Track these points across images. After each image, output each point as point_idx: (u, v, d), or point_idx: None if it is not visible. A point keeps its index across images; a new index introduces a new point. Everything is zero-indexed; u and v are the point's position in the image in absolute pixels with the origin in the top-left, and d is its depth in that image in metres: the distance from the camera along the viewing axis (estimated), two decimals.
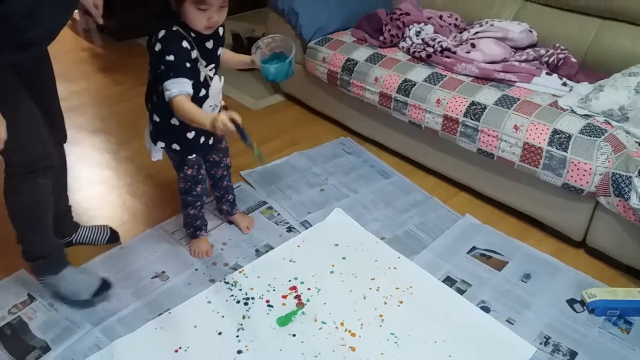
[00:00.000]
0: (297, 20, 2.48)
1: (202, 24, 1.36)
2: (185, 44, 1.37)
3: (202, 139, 1.60)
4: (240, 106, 2.74)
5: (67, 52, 3.46)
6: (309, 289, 1.65)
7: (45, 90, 1.51)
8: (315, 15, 2.48)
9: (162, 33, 1.37)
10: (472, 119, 1.91)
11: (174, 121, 1.52)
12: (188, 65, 1.37)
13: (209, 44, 1.45)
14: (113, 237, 1.85)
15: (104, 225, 1.87)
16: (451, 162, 2.11)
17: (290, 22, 2.53)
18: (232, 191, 1.89)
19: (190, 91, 1.37)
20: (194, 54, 1.40)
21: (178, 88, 1.34)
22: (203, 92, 1.49)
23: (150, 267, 1.76)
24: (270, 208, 2.04)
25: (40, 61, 1.46)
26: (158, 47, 1.37)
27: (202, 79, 1.46)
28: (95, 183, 2.21)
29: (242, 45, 3.15)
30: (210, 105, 1.54)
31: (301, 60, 2.57)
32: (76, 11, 3.69)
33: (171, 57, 1.34)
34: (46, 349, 1.48)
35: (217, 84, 1.52)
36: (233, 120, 1.30)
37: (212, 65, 1.48)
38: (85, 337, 1.51)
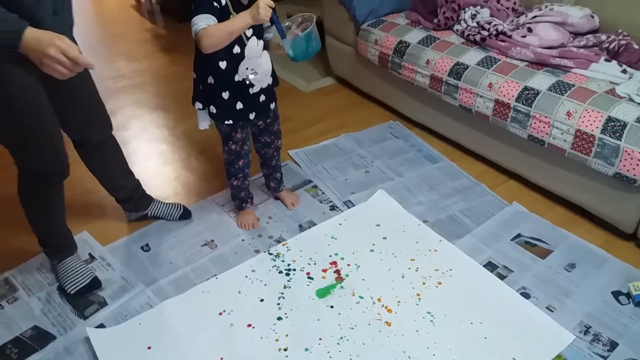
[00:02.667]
0: (351, 2, 2.51)
1: None
2: None
3: (239, 106, 1.61)
4: (292, 88, 2.82)
5: (131, 32, 3.66)
6: (348, 265, 1.72)
7: (77, 85, 1.44)
8: None
9: None
10: (524, 104, 1.89)
11: (210, 79, 1.56)
12: (216, 4, 1.40)
13: (244, 0, 1.47)
14: (186, 214, 1.94)
15: (177, 203, 1.96)
16: (501, 149, 2.10)
17: (345, 4, 2.56)
18: (280, 170, 1.98)
19: (214, 22, 1.39)
20: (222, 1, 1.43)
21: (205, 22, 1.37)
22: (237, 49, 1.51)
23: (200, 236, 1.88)
24: (315, 187, 2.11)
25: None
26: None
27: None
28: (153, 156, 2.36)
29: None
30: (248, 68, 1.56)
31: (353, 43, 2.61)
32: None
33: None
34: (103, 303, 1.63)
35: (254, 46, 1.52)
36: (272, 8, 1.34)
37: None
38: (138, 296, 1.65)
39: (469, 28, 2.24)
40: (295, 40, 1.43)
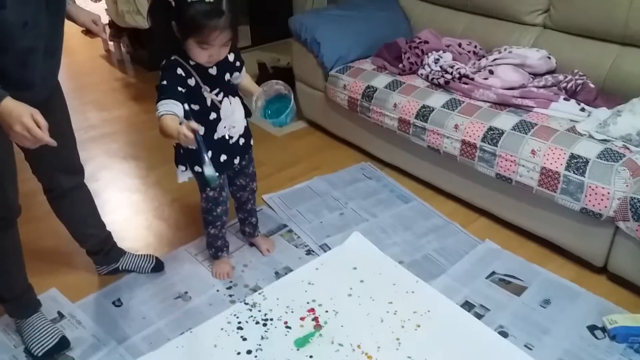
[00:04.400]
0: (319, 49, 2.57)
1: (202, 60, 1.42)
2: (180, 71, 1.43)
3: (223, 158, 1.61)
4: (265, 133, 2.81)
5: (101, 82, 3.64)
6: (326, 311, 1.68)
7: (54, 126, 1.35)
8: (336, 45, 2.57)
9: (163, 63, 1.45)
10: (490, 144, 1.93)
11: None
12: (180, 89, 1.41)
13: (212, 71, 1.49)
14: (158, 266, 1.89)
15: (149, 255, 1.91)
16: (470, 187, 2.13)
17: (313, 51, 2.62)
18: (256, 214, 1.95)
19: (177, 112, 1.37)
20: (192, 81, 1.46)
21: (165, 109, 1.37)
22: (214, 115, 1.54)
23: (174, 288, 1.82)
24: (290, 231, 2.09)
25: (45, 94, 1.40)
26: (160, 75, 1.45)
27: (208, 103, 1.51)
28: (124, 206, 2.30)
29: (268, 74, 3.25)
30: (225, 127, 1.58)
31: (323, 88, 2.66)
32: (110, 43, 3.86)
33: (164, 82, 1.41)
34: None
35: (228, 107, 1.55)
36: (194, 131, 1.29)
37: (217, 90, 1.52)
38: (110, 354, 1.57)
39: (432, 72, 2.30)
40: (272, 120, 1.49)
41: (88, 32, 1.54)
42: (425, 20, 2.76)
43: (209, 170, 1.33)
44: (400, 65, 2.40)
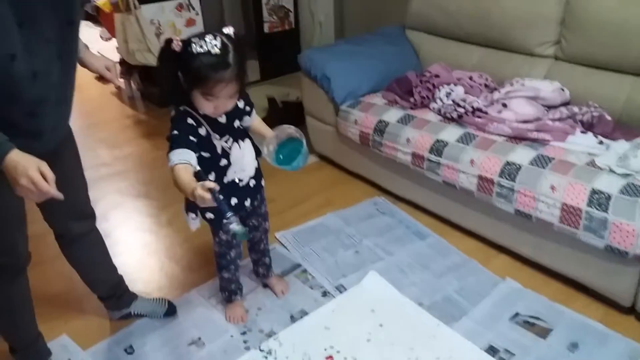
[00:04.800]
0: (329, 85, 2.56)
1: (208, 111, 1.40)
2: (190, 121, 1.41)
3: (234, 201, 1.58)
4: (275, 168, 2.75)
5: (112, 119, 3.66)
6: (345, 358, 1.62)
7: (64, 174, 1.35)
8: (346, 80, 2.56)
9: (172, 113, 1.44)
10: (508, 179, 1.89)
11: None
12: (192, 138, 1.40)
13: (222, 119, 1.47)
14: (171, 311, 1.85)
15: (162, 298, 1.87)
16: (489, 223, 2.07)
17: (323, 87, 2.61)
18: (269, 254, 1.91)
19: (192, 162, 1.36)
20: (203, 130, 1.44)
21: (178, 158, 1.35)
22: (224, 162, 1.52)
23: (187, 334, 1.77)
24: (304, 271, 2.04)
25: (55, 143, 1.37)
26: (170, 125, 1.43)
27: (219, 150, 1.50)
28: (136, 247, 2.27)
29: (278, 109, 3.24)
30: (235, 171, 1.55)
31: (333, 122, 2.64)
32: (121, 80, 3.88)
33: (175, 132, 1.39)
34: None
35: (238, 151, 1.53)
36: (210, 190, 1.25)
37: (227, 137, 1.50)
38: None
39: (445, 106, 2.28)
40: (285, 167, 1.46)
41: (101, 77, 1.53)
42: (435, 54, 2.75)
43: (235, 227, 1.28)
44: (412, 99, 2.38)
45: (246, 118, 1.58)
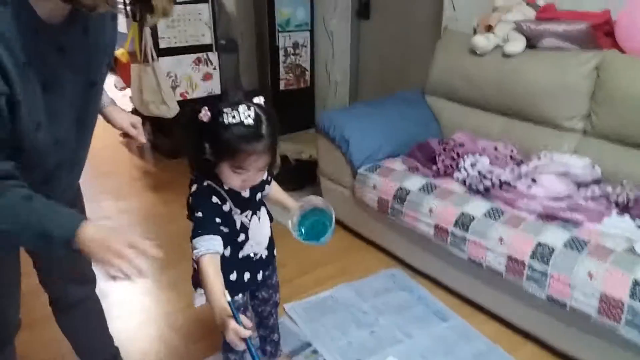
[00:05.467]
0: (347, 147, 2.49)
1: (235, 184, 1.32)
2: (215, 199, 1.33)
3: (247, 276, 1.50)
4: (284, 231, 2.65)
5: (119, 169, 3.58)
6: None
7: None
8: (365, 142, 2.49)
9: (194, 187, 1.34)
10: (540, 262, 1.76)
11: None
12: (218, 220, 1.32)
13: (245, 193, 1.40)
14: None
15: None
16: (517, 308, 1.93)
17: (341, 148, 2.54)
18: (278, 330, 1.78)
19: (220, 249, 1.29)
20: (227, 207, 1.36)
21: (205, 247, 1.26)
22: (242, 237, 1.43)
23: None
24: (315, 352, 1.89)
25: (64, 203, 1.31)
26: (190, 200, 1.34)
27: (238, 226, 1.41)
28: (134, 312, 2.14)
29: (290, 167, 3.18)
30: (252, 245, 1.47)
31: (350, 186, 2.55)
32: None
33: (200, 214, 1.30)
34: None
35: (256, 225, 1.46)
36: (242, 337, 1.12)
37: (248, 212, 1.43)
38: None
39: (470, 177, 2.18)
40: (310, 242, 1.40)
41: (126, 134, 1.46)
42: (456, 121, 2.68)
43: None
44: (434, 168, 2.30)
45: (266, 187, 1.50)
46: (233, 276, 1.47)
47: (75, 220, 0.97)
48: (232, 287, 1.48)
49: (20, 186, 0.97)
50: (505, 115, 2.53)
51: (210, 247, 1.26)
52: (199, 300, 1.51)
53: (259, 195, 1.45)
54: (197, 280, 1.47)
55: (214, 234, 1.28)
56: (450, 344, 1.92)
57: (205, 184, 1.33)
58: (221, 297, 1.18)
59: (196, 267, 1.45)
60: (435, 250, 2.18)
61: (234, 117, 1.21)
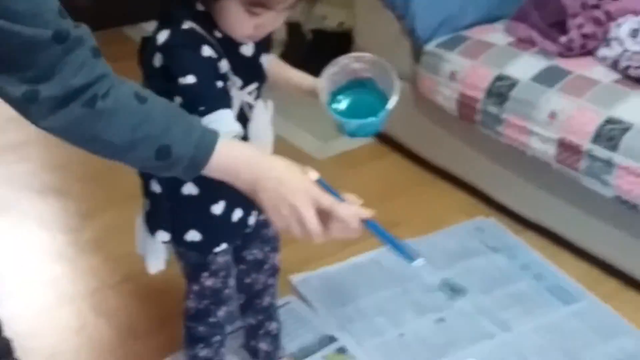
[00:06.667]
0: (406, 3, 2.53)
1: (245, 32, 1.38)
2: (207, 50, 1.37)
3: (238, 215, 1.59)
4: (296, 151, 2.80)
5: None
6: None
7: None
8: None
9: (164, 35, 1.37)
10: None
11: (189, 189, 1.52)
12: (220, 85, 1.40)
13: (247, 50, 1.47)
14: None
15: None
16: None
17: (395, 6, 2.58)
18: (277, 317, 1.89)
19: (239, 129, 1.39)
20: (224, 66, 1.41)
21: (221, 129, 1.32)
22: (239, 133, 1.50)
23: None
24: (341, 350, 2.01)
25: None
26: (159, 60, 1.38)
27: (236, 111, 1.47)
28: (37, 285, 2.25)
29: (303, 44, 3.27)
30: None
31: (410, 75, 2.59)
32: None
33: (191, 79, 1.34)
34: None
35: (261, 116, 1.54)
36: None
37: (254, 85, 1.50)
38: None
39: (627, 55, 2.20)
40: (367, 124, 1.48)
41: None
42: None
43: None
44: (563, 39, 2.33)
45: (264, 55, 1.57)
46: (218, 207, 1.54)
47: (211, 135, 1.21)
48: (212, 229, 1.58)
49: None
50: None
51: (228, 128, 1.33)
52: (155, 262, 1.61)
53: (264, 60, 1.51)
54: (157, 220, 1.58)
55: (221, 107, 1.35)
56: (576, 342, 2.02)
57: (186, 26, 1.36)
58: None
59: (157, 192, 1.55)
60: (558, 186, 2.26)
61: None
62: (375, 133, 1.58)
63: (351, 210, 1.25)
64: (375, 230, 1.27)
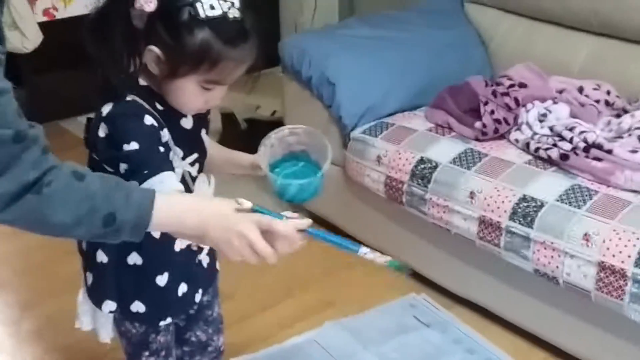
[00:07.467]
0: (333, 95, 2.57)
1: (196, 106, 1.42)
2: (149, 119, 1.39)
3: (182, 289, 1.57)
4: None
5: None
6: None
7: None
8: (363, 88, 2.58)
9: (108, 107, 1.38)
10: None
11: (134, 259, 1.51)
12: (163, 150, 1.40)
13: (186, 123, 1.48)
14: None
15: None
16: (621, 349, 2.04)
17: (322, 97, 2.62)
18: None
19: (182, 189, 1.38)
20: (165, 135, 1.42)
21: (164, 190, 1.32)
22: None
23: None
24: None
25: None
26: (104, 130, 1.38)
27: (178, 177, 1.46)
28: None
29: (237, 132, 3.27)
30: None
31: (339, 160, 2.62)
32: None
33: (135, 145, 1.35)
34: None
35: (203, 189, 1.54)
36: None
37: (195, 156, 1.51)
38: None
39: (537, 137, 2.28)
40: (306, 184, 1.47)
41: None
42: (516, 46, 2.79)
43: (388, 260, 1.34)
44: (478, 124, 2.39)
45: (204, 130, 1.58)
46: (162, 279, 1.53)
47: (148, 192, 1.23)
48: (157, 301, 1.57)
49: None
50: (594, 35, 2.63)
51: (174, 185, 1.34)
52: (105, 331, 1.60)
53: (204, 133, 1.52)
54: (102, 291, 1.56)
55: (167, 170, 1.35)
56: None
57: (129, 98, 1.38)
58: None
59: (103, 262, 1.53)
60: (483, 261, 2.28)
61: (212, 6, 1.28)
62: (313, 197, 1.53)
63: (289, 224, 1.25)
64: (317, 236, 1.31)
